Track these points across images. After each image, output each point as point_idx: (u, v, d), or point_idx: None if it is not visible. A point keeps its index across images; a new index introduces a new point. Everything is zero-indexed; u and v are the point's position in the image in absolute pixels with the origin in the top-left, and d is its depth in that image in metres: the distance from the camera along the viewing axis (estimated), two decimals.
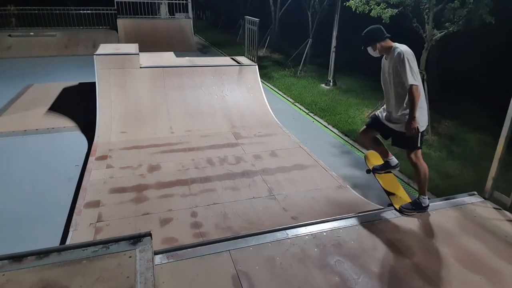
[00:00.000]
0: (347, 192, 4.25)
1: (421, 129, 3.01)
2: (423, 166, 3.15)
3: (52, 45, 12.58)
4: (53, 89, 8.04)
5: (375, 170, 3.65)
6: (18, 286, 1.99)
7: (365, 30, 3.08)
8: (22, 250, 2.22)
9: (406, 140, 3.07)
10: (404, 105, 2.99)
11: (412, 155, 3.10)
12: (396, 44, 2.98)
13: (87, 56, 9.03)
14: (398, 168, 3.56)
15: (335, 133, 6.56)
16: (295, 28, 13.83)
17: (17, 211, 3.93)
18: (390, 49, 2.98)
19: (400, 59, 2.85)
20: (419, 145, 3.08)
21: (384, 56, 3.10)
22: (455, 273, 2.62)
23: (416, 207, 3.28)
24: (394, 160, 3.49)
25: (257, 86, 6.98)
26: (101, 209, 3.77)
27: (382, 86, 3.22)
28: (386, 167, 3.56)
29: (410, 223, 3.20)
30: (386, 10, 6.65)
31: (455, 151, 5.77)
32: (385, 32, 3.01)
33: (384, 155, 3.54)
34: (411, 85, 2.81)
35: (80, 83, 8.40)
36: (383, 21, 6.67)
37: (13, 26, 12.99)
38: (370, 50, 3.09)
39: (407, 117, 2.94)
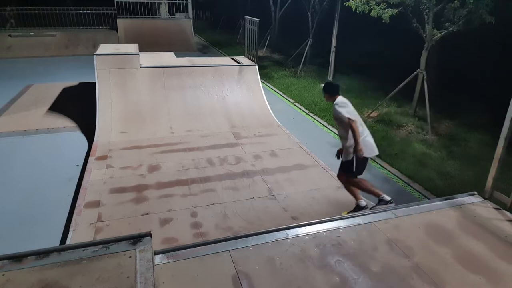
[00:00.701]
0: (347, 192, 4.25)
1: (365, 155, 3.61)
2: (347, 187, 3.90)
3: (52, 45, 12.59)
4: (53, 89, 8.05)
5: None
6: (18, 286, 1.99)
7: (327, 83, 3.94)
8: (22, 250, 2.22)
9: (343, 165, 3.84)
10: (346, 140, 3.69)
11: (343, 177, 3.88)
12: (337, 98, 3.75)
13: (87, 56, 9.03)
14: (367, 209, 3.90)
15: (335, 133, 6.55)
16: (295, 28, 13.82)
17: (17, 211, 3.93)
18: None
19: (335, 109, 3.70)
20: (353, 170, 3.71)
21: None
22: (455, 273, 2.61)
23: (356, 209, 3.84)
24: (362, 202, 3.95)
25: (257, 86, 6.98)
26: (101, 209, 3.77)
27: None
28: (356, 210, 3.95)
29: (410, 223, 3.19)
30: (386, 10, 6.65)
31: (455, 151, 5.77)
32: (338, 91, 3.83)
33: (355, 197, 3.99)
34: (349, 120, 3.54)
35: (80, 83, 8.41)
36: (383, 21, 6.68)
37: (13, 26, 12.98)
38: (325, 95, 3.88)
39: (349, 149, 3.67)
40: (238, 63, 7.19)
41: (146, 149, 5.26)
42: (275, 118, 6.54)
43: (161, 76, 6.56)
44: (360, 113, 7.50)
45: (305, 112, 7.70)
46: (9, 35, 12.29)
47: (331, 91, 3.84)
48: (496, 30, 6.18)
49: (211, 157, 5.05)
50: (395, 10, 6.61)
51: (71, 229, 3.42)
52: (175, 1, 14.73)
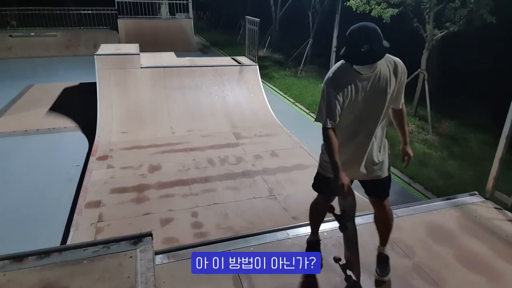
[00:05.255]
0: None
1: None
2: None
3: (52, 45, 12.57)
4: (54, 89, 8.04)
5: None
6: (18, 286, 1.99)
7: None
8: (23, 250, 2.22)
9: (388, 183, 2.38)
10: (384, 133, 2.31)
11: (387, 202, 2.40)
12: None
13: (88, 56, 9.04)
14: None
15: None
16: (295, 28, 13.81)
17: (18, 211, 3.93)
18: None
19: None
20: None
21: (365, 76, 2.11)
22: (456, 273, 2.61)
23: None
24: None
25: (257, 86, 6.97)
26: (102, 209, 3.77)
27: (353, 121, 2.27)
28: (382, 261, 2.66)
29: (410, 223, 3.19)
30: (387, 10, 6.64)
31: (456, 151, 5.77)
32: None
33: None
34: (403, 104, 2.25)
35: (81, 83, 8.40)
36: (384, 21, 6.67)
37: (14, 27, 13.00)
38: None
39: (388, 150, 2.35)
40: (239, 63, 7.19)
41: (146, 149, 5.26)
42: (276, 118, 6.53)
43: (161, 76, 6.56)
44: None
45: (305, 112, 7.69)
46: (10, 35, 12.28)
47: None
48: (497, 29, 6.17)
49: (212, 157, 5.05)
50: (396, 10, 6.61)
51: (72, 229, 3.42)
52: (176, 1, 14.72)
